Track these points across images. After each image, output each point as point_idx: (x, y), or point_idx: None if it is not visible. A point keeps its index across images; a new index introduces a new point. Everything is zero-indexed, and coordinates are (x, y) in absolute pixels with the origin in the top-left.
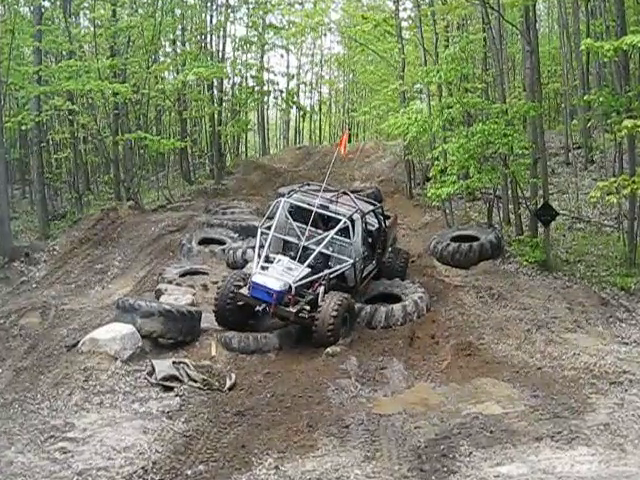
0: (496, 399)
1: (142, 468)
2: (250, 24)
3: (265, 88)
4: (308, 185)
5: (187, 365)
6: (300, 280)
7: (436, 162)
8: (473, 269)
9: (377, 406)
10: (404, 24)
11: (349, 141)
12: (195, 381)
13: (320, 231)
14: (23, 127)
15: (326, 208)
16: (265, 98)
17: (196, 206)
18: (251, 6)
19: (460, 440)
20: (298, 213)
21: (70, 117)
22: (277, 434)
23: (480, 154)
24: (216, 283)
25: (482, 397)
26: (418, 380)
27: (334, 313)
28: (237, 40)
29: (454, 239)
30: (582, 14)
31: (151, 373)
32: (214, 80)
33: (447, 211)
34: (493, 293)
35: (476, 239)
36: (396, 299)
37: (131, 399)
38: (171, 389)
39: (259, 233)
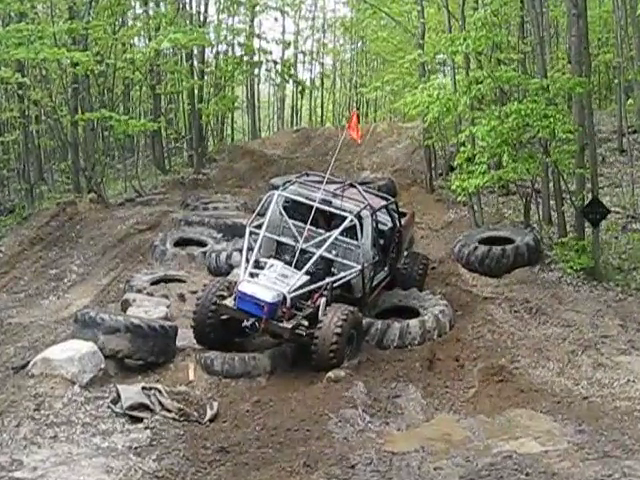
0: (533, 435)
1: None
2: None
3: (256, 58)
4: (307, 175)
5: (159, 391)
6: (297, 290)
7: (462, 148)
8: (506, 278)
9: (389, 442)
10: None
11: (357, 122)
12: (169, 411)
13: (321, 231)
14: None
15: (329, 203)
16: (256, 70)
17: (171, 200)
18: None
19: None
20: (295, 209)
21: (20, 92)
22: (268, 475)
23: (515, 139)
24: (195, 293)
25: (516, 432)
26: (439, 411)
27: (338, 330)
28: (222, 0)
29: (483, 241)
30: None
31: (116, 401)
32: (194, 49)
33: (475, 207)
34: (530, 307)
35: (510, 241)
36: (413, 313)
37: (91, 432)
38: (140, 420)
39: (247, 233)
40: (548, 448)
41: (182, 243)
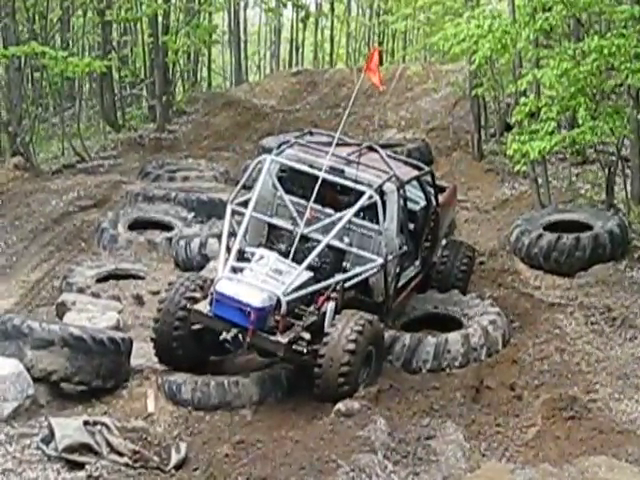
0: None
1: None
2: None
3: None
4: (311, 135)
5: (107, 428)
6: (295, 291)
7: (522, 100)
8: (581, 277)
9: None
10: None
11: (380, 63)
12: (120, 454)
13: (330, 211)
14: None
15: (340, 173)
16: None
17: (126, 167)
18: None
19: None
20: (294, 181)
21: None
22: None
23: (596, 87)
24: (157, 294)
25: None
26: (487, 458)
27: (351, 346)
28: None
29: (550, 227)
30: None
31: (48, 440)
32: None
33: (539, 181)
34: (614, 317)
35: (587, 228)
36: (453, 324)
37: None
38: (81, 467)
39: (229, 212)
40: None
41: (140, 226)
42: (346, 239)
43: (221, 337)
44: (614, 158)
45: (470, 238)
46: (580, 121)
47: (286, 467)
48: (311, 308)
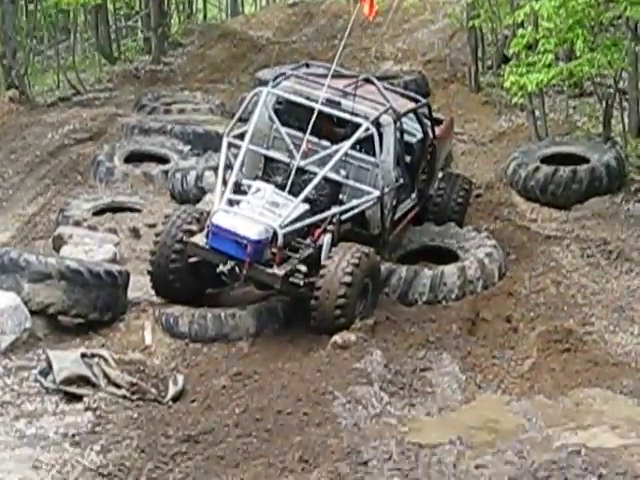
0: (610, 423)
1: None
2: None
3: None
4: (307, 67)
5: (105, 360)
6: (292, 223)
7: (520, 32)
8: (577, 210)
9: (415, 431)
10: None
11: None
12: (118, 386)
13: (326, 143)
14: None
15: (337, 105)
16: None
17: (121, 99)
18: None
19: None
20: (290, 113)
21: None
22: (251, 473)
23: (594, 19)
24: (154, 226)
25: (587, 419)
26: (483, 390)
27: (347, 278)
28: None
29: (547, 160)
30: None
31: (46, 372)
32: None
33: (536, 113)
34: (609, 250)
35: (584, 160)
36: (449, 257)
37: (13, 414)
38: (79, 399)
39: (225, 145)
40: (629, 441)
41: (136, 159)
42: (342, 172)
43: (218, 270)
44: (612, 90)
45: (467, 171)
46: (578, 53)
47: (283, 399)
48: (307, 241)
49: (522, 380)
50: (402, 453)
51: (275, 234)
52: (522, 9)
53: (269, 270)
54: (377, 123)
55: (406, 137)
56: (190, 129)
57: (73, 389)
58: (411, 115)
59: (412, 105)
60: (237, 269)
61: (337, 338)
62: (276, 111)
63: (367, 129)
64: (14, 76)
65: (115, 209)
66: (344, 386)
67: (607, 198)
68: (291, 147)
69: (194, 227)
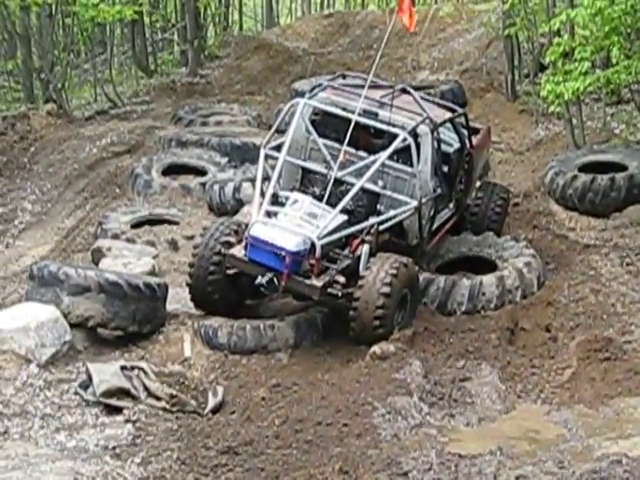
0: None
1: None
2: None
3: None
4: (343, 78)
5: (144, 372)
6: (330, 234)
7: (556, 40)
8: (616, 218)
9: (455, 441)
10: None
11: (412, 4)
12: (158, 398)
13: (363, 154)
14: None
15: (374, 116)
16: None
17: (158, 112)
18: None
19: None
20: (327, 124)
21: None
22: None
23: (630, 26)
24: (192, 239)
25: (628, 428)
26: (523, 400)
27: (386, 289)
28: None
29: (585, 168)
30: None
31: (86, 385)
32: None
33: (574, 121)
34: None
35: (622, 168)
36: (488, 266)
37: (54, 426)
38: (119, 411)
39: (262, 157)
40: None
41: (173, 171)
42: (380, 182)
43: (256, 281)
44: None
45: (504, 180)
46: (614, 60)
47: (322, 410)
48: (345, 251)
49: (562, 390)
50: (442, 464)
51: (313, 245)
52: (558, 17)
53: (307, 281)
54: (414, 133)
55: (443, 147)
56: (227, 141)
57: (113, 401)
58: (448, 125)
59: (449, 115)
60: (275, 280)
61: (376, 349)
62: (313, 122)
63: (404, 139)
64: (52, 90)
65: (153, 222)
66: (383, 397)
67: None
68: (328, 158)
69: (232, 239)
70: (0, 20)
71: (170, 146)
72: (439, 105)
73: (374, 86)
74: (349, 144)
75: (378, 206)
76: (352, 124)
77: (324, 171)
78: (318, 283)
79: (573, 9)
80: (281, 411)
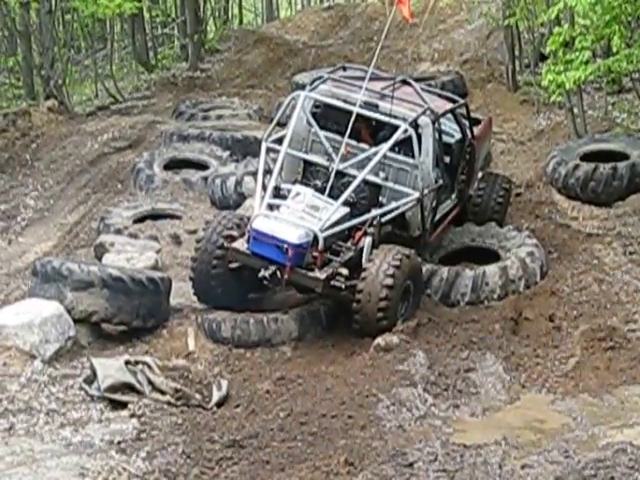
0: None
1: None
2: None
3: None
4: (344, 70)
5: (149, 367)
6: (332, 226)
7: (556, 29)
8: (618, 207)
9: (460, 432)
10: None
11: None
12: (162, 392)
13: (365, 146)
14: None
15: (375, 107)
16: None
17: (160, 106)
18: None
19: None
20: (328, 116)
21: None
22: (297, 477)
23: (631, 15)
24: (194, 233)
25: (633, 417)
26: (527, 390)
27: (388, 280)
28: None
29: (587, 157)
30: None
31: (91, 380)
32: None
33: (575, 111)
34: None
35: (624, 157)
36: (491, 257)
37: (59, 422)
38: (124, 406)
39: (264, 150)
40: None
41: (175, 165)
42: (382, 174)
43: (259, 274)
44: None
45: (506, 170)
46: (615, 49)
47: (327, 402)
48: (348, 244)
49: (566, 379)
50: (447, 454)
51: (316, 238)
52: (556, 5)
53: (310, 274)
54: (415, 124)
55: (445, 138)
56: (229, 135)
57: (118, 396)
58: (449, 116)
59: (450, 106)
60: (278, 273)
61: (380, 340)
62: (314, 115)
63: (405, 131)
64: (52, 86)
65: (156, 216)
66: (388, 388)
67: None
68: (330, 150)
69: (235, 232)
70: (0, 17)
71: (172, 141)
72: (440, 96)
73: (375, 78)
74: (350, 136)
75: (380, 198)
76: (353, 116)
77: (326, 163)
78: (321, 275)
79: None
80: (285, 404)
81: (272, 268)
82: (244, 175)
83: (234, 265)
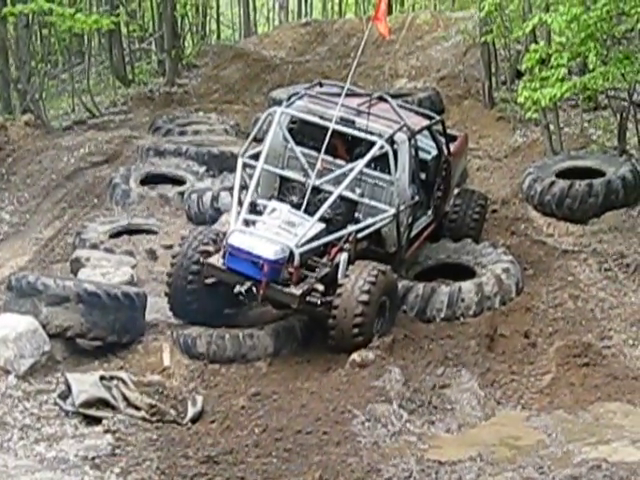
0: (630, 437)
1: None
2: None
3: None
4: (320, 86)
5: (123, 382)
6: (308, 242)
7: (533, 47)
8: (594, 224)
9: (435, 448)
10: None
11: (389, 12)
12: (137, 408)
13: (341, 162)
14: None
15: (351, 124)
16: None
17: (136, 122)
18: None
19: None
20: (304, 132)
21: None
22: None
23: (606, 33)
24: (170, 248)
25: (607, 434)
26: (502, 406)
27: (364, 297)
28: None
29: (562, 174)
30: None
31: (65, 395)
32: None
33: (551, 128)
34: (627, 263)
35: (599, 174)
36: (467, 273)
37: (33, 437)
38: (98, 421)
39: (240, 165)
40: None
41: (151, 181)
42: (358, 190)
43: (235, 290)
44: (626, 104)
45: (482, 186)
46: (591, 67)
47: (302, 418)
48: (324, 260)
49: (542, 395)
50: (422, 471)
51: (292, 253)
52: (531, 20)
53: (286, 290)
54: (391, 141)
55: (421, 154)
56: (205, 150)
57: (92, 412)
58: (425, 132)
59: (426, 122)
60: (254, 289)
61: (355, 356)
62: (290, 130)
63: (382, 147)
64: (29, 100)
65: (132, 231)
66: (363, 404)
67: (623, 211)
68: (306, 166)
69: (210, 248)
70: None
71: (148, 156)
72: (416, 113)
73: (351, 94)
74: (326, 152)
75: (356, 214)
76: (329, 132)
77: (302, 179)
78: (297, 291)
79: (549, 16)
80: (261, 420)
81: (248, 284)
82: (220, 190)
83: (210, 281)
